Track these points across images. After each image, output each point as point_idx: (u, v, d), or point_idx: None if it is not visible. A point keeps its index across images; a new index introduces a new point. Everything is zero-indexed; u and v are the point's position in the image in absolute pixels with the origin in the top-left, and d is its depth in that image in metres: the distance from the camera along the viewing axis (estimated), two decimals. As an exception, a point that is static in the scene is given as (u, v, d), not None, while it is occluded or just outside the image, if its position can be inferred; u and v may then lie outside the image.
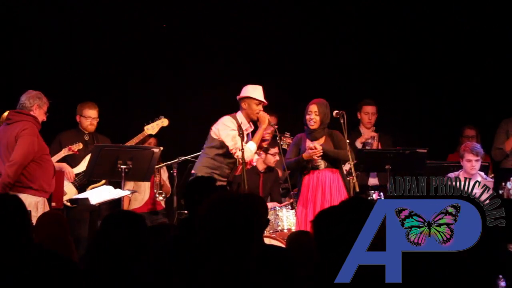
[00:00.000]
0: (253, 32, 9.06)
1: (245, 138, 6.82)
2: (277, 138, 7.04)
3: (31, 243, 3.34)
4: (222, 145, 6.76)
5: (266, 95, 6.86)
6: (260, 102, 6.82)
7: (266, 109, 6.90)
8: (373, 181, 8.06)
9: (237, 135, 6.68)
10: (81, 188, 7.43)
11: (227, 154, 6.76)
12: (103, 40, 8.75)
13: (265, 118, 6.76)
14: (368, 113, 8.23)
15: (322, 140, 6.87)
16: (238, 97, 6.88)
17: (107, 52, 8.74)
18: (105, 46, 8.74)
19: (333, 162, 6.88)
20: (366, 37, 9.19)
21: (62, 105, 7.79)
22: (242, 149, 6.67)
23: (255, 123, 6.93)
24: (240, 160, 6.68)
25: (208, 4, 9.00)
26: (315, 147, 6.75)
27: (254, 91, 6.83)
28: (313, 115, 6.80)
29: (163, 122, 7.60)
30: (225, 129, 6.75)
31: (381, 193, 7.39)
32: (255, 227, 2.79)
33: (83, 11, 8.65)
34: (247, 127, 6.85)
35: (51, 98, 6.60)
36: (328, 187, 6.77)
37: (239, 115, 6.85)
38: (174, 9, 8.95)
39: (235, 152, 6.68)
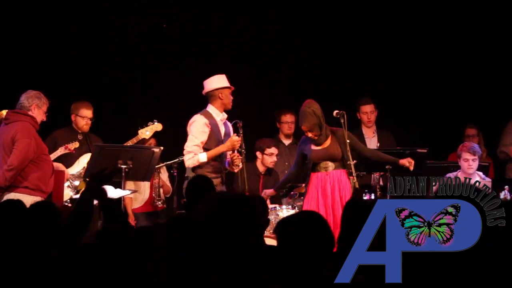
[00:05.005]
0: (253, 32, 9.04)
1: (223, 128, 6.81)
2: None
3: None
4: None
5: (266, 96, 6.85)
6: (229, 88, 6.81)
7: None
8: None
9: (198, 141, 6.67)
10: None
11: (210, 149, 6.74)
12: (103, 39, 8.74)
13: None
14: (366, 113, 8.25)
15: (327, 143, 6.75)
16: (209, 91, 6.84)
17: (106, 52, 8.73)
18: (104, 46, 8.73)
19: (341, 163, 6.78)
20: (366, 36, 9.18)
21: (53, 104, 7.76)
22: (243, 148, 6.67)
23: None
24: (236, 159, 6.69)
25: (208, 4, 8.99)
26: None
27: (220, 81, 6.83)
28: (308, 133, 6.71)
29: (157, 126, 7.60)
30: (191, 132, 6.74)
31: (372, 194, 7.37)
32: (254, 227, 2.79)
33: (82, 11, 8.65)
34: (221, 117, 6.83)
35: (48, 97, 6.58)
36: (337, 189, 6.67)
37: (210, 108, 6.82)
38: (174, 9, 8.95)
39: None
